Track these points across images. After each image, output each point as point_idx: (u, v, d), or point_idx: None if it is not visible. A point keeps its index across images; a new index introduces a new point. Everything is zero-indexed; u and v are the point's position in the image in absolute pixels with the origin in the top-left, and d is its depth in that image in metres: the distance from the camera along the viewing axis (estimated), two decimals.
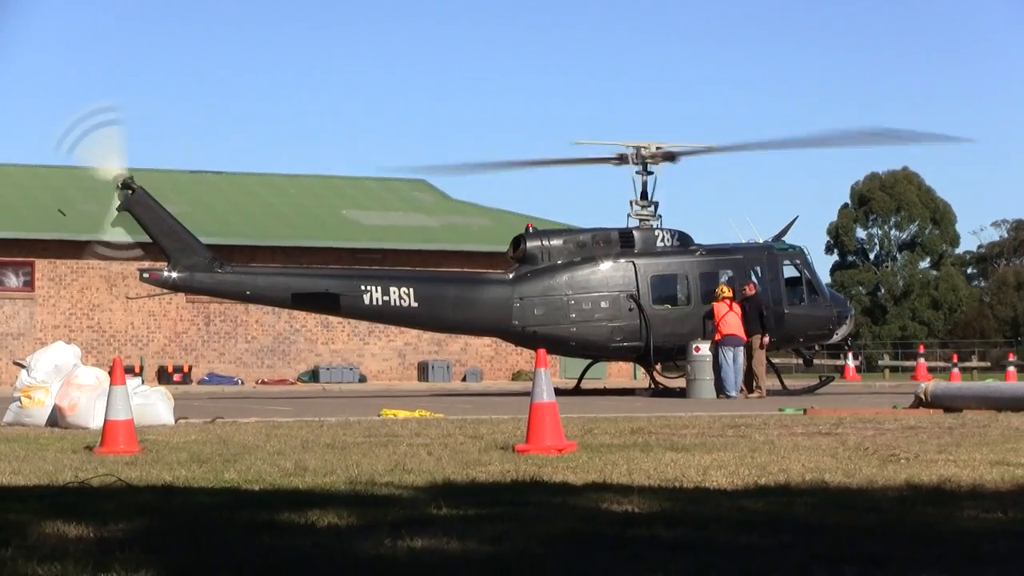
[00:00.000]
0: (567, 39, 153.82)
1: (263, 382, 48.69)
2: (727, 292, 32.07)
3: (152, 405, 19.02)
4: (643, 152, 34.25)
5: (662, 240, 34.04)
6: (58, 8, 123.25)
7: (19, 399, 19.51)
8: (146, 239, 32.59)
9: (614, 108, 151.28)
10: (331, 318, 47.30)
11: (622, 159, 34.35)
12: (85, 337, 47.12)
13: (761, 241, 34.92)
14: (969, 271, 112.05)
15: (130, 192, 31.08)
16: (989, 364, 66.70)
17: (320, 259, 47.23)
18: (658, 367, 34.51)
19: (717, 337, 31.46)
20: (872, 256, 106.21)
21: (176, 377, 47.23)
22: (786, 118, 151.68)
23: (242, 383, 48.33)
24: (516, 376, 51.61)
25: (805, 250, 35.02)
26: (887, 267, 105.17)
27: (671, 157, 34.40)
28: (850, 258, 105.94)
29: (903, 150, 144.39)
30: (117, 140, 30.55)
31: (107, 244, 33.67)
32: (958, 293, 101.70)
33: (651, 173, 34.58)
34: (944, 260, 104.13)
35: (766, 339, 32.10)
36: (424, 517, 8.35)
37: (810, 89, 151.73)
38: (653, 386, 34.15)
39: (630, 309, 33.19)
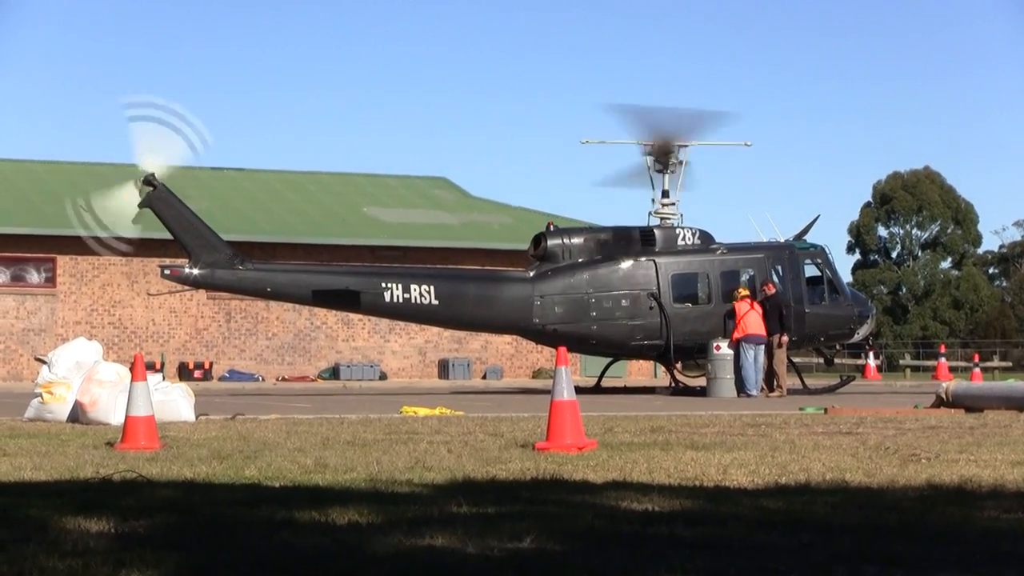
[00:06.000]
0: (581, 32, 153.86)
1: (283, 379, 48.76)
2: (745, 292, 32.09)
3: (173, 401, 19.06)
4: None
5: (683, 238, 34.00)
6: (79, 2, 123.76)
7: (40, 395, 19.56)
8: (142, 236, 32.87)
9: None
10: (352, 315, 47.36)
11: (654, 159, 34.36)
12: (106, 333, 47.24)
13: (782, 240, 34.86)
14: (991, 271, 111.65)
15: (152, 189, 31.14)
16: (1010, 364, 66.50)
17: (340, 256, 47.22)
18: (678, 365, 34.48)
19: (738, 335, 31.42)
20: (893, 255, 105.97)
21: (197, 374, 47.31)
22: (792, 111, 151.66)
23: (262, 380, 48.41)
24: (536, 374, 51.60)
25: (826, 249, 34.96)
26: (908, 266, 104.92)
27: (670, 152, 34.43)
28: (871, 257, 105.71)
29: (926, 149, 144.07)
30: (173, 145, 30.46)
31: (102, 240, 33.61)
32: (979, 293, 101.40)
33: (672, 172, 34.59)
34: (966, 260, 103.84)
35: (784, 338, 32.04)
36: (444, 515, 8.36)
37: (813, 83, 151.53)
38: (673, 384, 34.12)
39: (651, 307, 33.15)
